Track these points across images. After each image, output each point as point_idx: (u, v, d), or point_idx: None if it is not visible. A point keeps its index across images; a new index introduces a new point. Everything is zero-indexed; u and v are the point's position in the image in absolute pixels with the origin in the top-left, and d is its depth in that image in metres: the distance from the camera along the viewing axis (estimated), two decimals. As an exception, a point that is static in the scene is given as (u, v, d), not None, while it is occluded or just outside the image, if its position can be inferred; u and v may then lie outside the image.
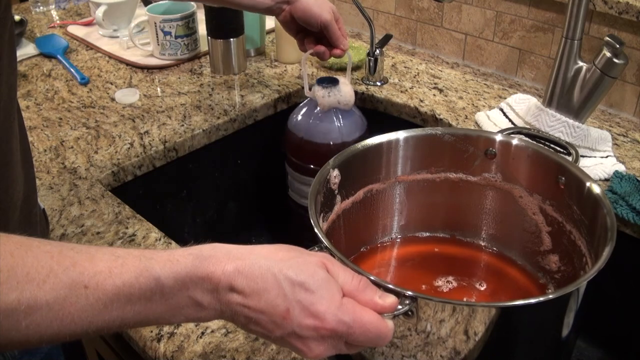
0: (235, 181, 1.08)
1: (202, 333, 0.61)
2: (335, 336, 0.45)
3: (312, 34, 0.91)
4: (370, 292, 0.47)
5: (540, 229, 0.67)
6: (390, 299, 0.47)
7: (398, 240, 0.73)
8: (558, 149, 0.66)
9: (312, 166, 0.97)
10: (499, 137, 0.67)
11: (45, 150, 0.91)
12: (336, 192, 0.65)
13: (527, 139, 0.67)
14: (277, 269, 0.44)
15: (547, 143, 0.68)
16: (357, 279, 0.47)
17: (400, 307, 0.47)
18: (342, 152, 0.65)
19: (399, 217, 0.73)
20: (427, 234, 0.74)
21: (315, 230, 0.54)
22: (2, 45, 0.54)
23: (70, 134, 0.95)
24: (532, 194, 0.66)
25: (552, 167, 0.63)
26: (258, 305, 0.44)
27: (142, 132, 0.95)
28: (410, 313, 0.47)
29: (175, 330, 0.62)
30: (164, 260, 0.44)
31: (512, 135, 0.68)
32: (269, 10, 0.91)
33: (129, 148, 0.91)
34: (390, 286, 0.48)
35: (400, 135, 0.67)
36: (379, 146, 0.67)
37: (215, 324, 0.62)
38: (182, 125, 0.97)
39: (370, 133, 0.99)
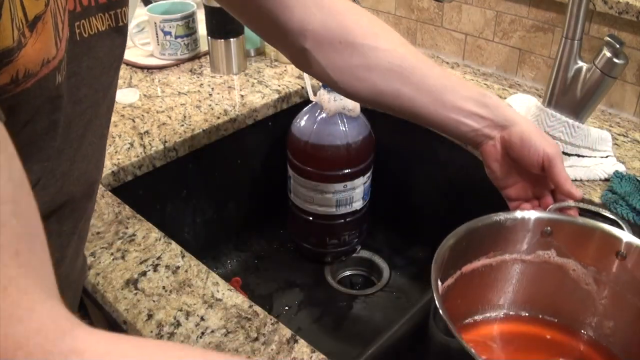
0: (235, 181, 1.08)
1: (202, 333, 0.61)
2: None
3: (521, 182, 0.70)
4: None
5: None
6: None
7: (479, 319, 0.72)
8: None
9: (316, 170, 0.97)
10: (551, 216, 0.66)
11: (45, 150, 0.90)
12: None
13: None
14: None
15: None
16: None
17: None
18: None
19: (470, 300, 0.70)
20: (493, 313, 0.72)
21: (435, 295, 0.52)
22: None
23: (70, 134, 0.95)
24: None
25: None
26: None
27: (142, 132, 0.95)
28: None
29: (175, 331, 0.62)
30: None
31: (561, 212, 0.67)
32: (466, 138, 0.69)
33: (129, 148, 0.91)
34: None
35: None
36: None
37: (215, 323, 0.62)
38: (182, 125, 0.97)
39: (372, 134, 0.99)
